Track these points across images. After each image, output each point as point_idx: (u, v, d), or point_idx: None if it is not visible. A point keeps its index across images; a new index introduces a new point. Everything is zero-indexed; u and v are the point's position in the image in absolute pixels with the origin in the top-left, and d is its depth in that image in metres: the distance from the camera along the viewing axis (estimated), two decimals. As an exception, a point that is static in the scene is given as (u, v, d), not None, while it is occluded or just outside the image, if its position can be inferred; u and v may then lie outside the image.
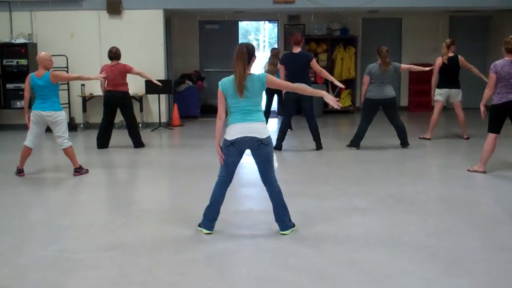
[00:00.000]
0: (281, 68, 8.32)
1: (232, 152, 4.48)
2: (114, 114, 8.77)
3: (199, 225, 4.70)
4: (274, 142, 8.31)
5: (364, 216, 5.14)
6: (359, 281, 3.72)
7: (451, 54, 8.86)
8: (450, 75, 8.89)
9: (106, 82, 8.54)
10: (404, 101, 13.29)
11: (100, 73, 8.42)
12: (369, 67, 8.25)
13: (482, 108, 6.64)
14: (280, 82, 4.93)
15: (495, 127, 6.61)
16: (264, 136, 4.43)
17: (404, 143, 8.43)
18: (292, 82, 8.29)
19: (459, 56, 8.90)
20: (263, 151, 4.45)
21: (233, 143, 4.44)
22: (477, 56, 12.96)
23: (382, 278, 3.76)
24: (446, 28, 13.22)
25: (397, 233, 4.66)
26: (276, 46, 13.78)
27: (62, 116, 6.72)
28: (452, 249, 4.28)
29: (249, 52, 4.38)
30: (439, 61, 8.91)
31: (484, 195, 6.24)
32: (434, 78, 9.04)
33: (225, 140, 4.49)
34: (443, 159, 8.07)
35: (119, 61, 8.58)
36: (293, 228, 4.65)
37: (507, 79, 6.37)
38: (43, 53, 6.87)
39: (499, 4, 11.32)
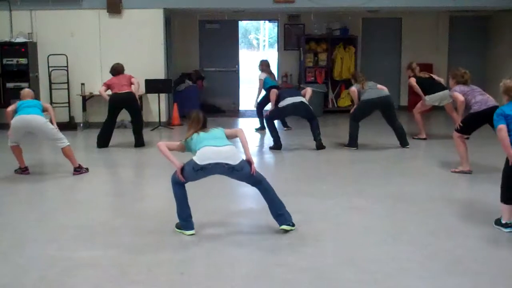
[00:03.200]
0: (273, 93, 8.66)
1: (199, 175, 4.41)
2: (118, 114, 8.83)
3: (179, 228, 4.62)
4: (272, 144, 8.37)
5: (364, 215, 5.15)
6: (359, 280, 3.72)
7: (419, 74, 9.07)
8: (431, 83, 8.97)
9: (106, 91, 8.68)
10: (403, 101, 13.28)
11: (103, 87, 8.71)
12: (355, 87, 8.33)
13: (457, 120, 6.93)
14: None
15: (467, 131, 6.65)
16: (237, 162, 4.35)
17: (404, 143, 8.42)
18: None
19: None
20: (237, 175, 4.43)
21: (203, 168, 4.34)
22: (477, 56, 12.99)
23: (382, 277, 3.76)
24: (446, 28, 13.22)
25: (396, 232, 4.67)
26: (275, 46, 13.73)
27: (44, 119, 6.69)
28: (452, 248, 4.29)
29: (204, 118, 4.58)
30: (413, 81, 8.95)
31: (484, 194, 6.23)
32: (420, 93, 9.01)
33: (195, 163, 4.33)
34: (443, 158, 8.06)
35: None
36: (293, 227, 4.63)
37: (478, 91, 6.65)
38: (27, 89, 7.30)
39: (499, 4, 11.32)
